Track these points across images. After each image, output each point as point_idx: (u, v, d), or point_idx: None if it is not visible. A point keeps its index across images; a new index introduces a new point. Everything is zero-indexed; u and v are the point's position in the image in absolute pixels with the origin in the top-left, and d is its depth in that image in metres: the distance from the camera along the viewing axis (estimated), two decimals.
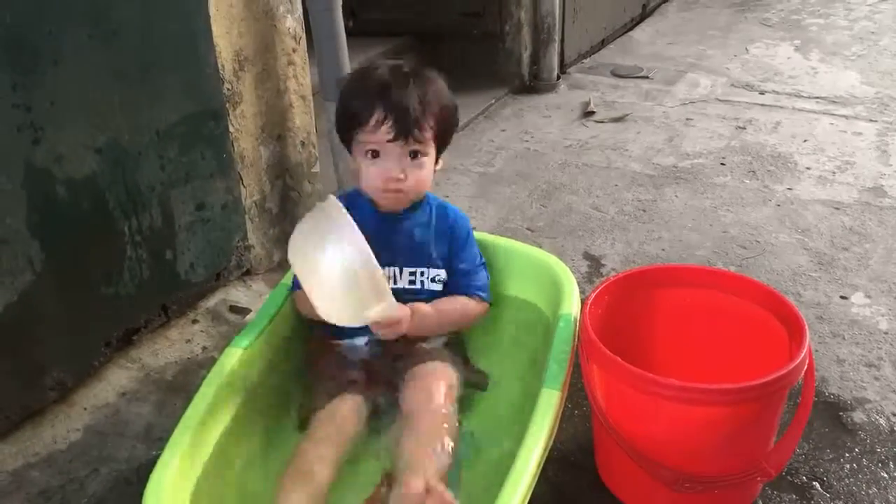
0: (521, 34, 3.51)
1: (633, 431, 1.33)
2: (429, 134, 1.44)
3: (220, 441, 1.36)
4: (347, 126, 1.47)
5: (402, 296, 1.44)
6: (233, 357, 1.42)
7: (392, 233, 1.52)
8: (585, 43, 3.97)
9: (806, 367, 1.30)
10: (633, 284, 1.53)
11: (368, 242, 1.35)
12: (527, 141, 3.06)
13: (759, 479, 1.36)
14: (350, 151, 1.51)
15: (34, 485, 1.47)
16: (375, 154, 1.44)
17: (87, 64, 1.53)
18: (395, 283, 1.52)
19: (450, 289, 1.56)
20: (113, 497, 1.46)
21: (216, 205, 1.90)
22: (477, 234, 1.65)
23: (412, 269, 1.54)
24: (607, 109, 3.34)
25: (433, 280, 1.55)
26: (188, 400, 1.34)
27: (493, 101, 3.42)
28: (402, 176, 1.44)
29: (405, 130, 1.40)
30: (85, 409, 1.65)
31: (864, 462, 1.52)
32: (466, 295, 1.55)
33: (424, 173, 1.48)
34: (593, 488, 1.47)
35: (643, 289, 1.54)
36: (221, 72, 1.82)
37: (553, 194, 2.61)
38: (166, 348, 1.82)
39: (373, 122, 1.40)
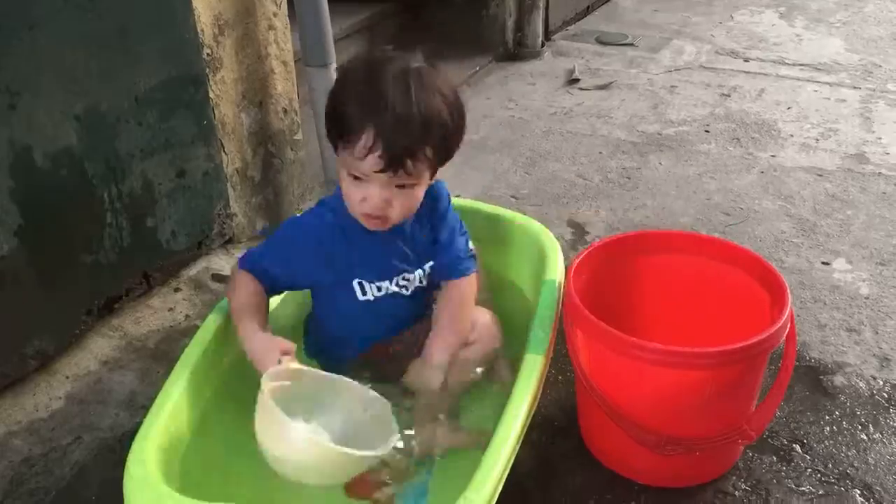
0: (505, 1, 3.48)
1: (616, 396, 1.34)
2: (424, 164, 1.23)
3: (203, 408, 1.36)
4: (332, 133, 1.26)
5: (387, 300, 1.39)
6: (215, 325, 1.41)
7: (384, 247, 1.37)
8: (570, 10, 3.93)
9: (787, 331, 1.31)
10: (618, 250, 1.53)
11: (357, 259, 1.34)
12: (511, 109, 3.04)
13: (740, 441, 1.37)
14: (335, 152, 1.30)
15: (17, 453, 1.47)
16: (358, 178, 1.24)
17: (64, 28, 1.50)
18: (379, 291, 1.39)
19: (435, 271, 1.43)
20: (96, 465, 1.46)
21: (197, 172, 1.88)
22: (461, 201, 1.65)
23: (405, 276, 1.40)
24: (592, 77, 3.32)
25: (421, 280, 1.42)
26: (170, 367, 1.33)
27: (477, 68, 3.40)
28: (384, 207, 1.25)
29: (395, 164, 1.19)
30: (66, 377, 1.64)
31: (844, 425, 1.54)
32: (451, 279, 1.42)
33: (414, 200, 1.29)
34: (577, 453, 1.48)
35: (627, 255, 1.54)
36: (201, 36, 1.79)
37: (537, 162, 2.60)
38: (148, 316, 1.81)
39: (359, 147, 1.18)
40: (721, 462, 1.44)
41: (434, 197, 1.40)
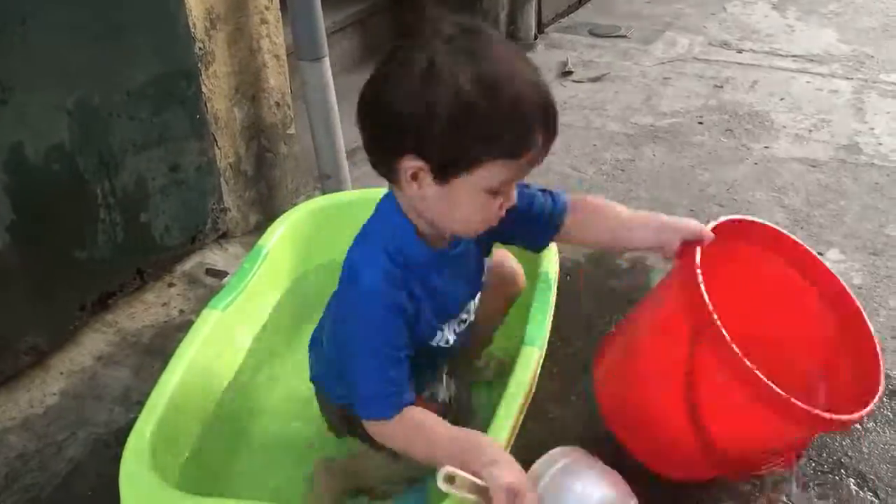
0: None
1: (720, 432, 1.21)
2: None
3: (198, 403, 1.36)
4: (479, 152, 1.01)
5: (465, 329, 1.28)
6: (210, 319, 1.41)
7: (460, 266, 1.22)
8: (563, 2, 3.92)
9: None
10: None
11: (443, 292, 1.17)
12: None
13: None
14: (436, 173, 1.03)
15: (11, 449, 1.47)
16: (501, 189, 1.06)
17: (56, 23, 1.50)
18: (470, 314, 1.29)
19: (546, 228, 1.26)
20: (91, 460, 1.46)
21: (190, 167, 1.87)
22: None
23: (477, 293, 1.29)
24: (585, 69, 3.32)
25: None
26: (165, 363, 1.33)
27: None
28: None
29: (554, 140, 1.07)
30: (61, 373, 1.63)
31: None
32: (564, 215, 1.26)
33: None
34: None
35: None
36: (192, 30, 1.79)
37: None
38: (143, 312, 1.80)
39: (535, 152, 1.03)
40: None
41: None
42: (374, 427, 1.12)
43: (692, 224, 1.22)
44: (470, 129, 0.98)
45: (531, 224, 1.25)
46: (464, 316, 1.27)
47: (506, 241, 1.32)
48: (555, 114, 1.04)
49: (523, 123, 1.00)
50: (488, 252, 1.31)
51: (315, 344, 1.38)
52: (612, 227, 1.27)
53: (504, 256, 1.42)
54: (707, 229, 1.21)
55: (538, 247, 1.35)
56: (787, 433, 1.21)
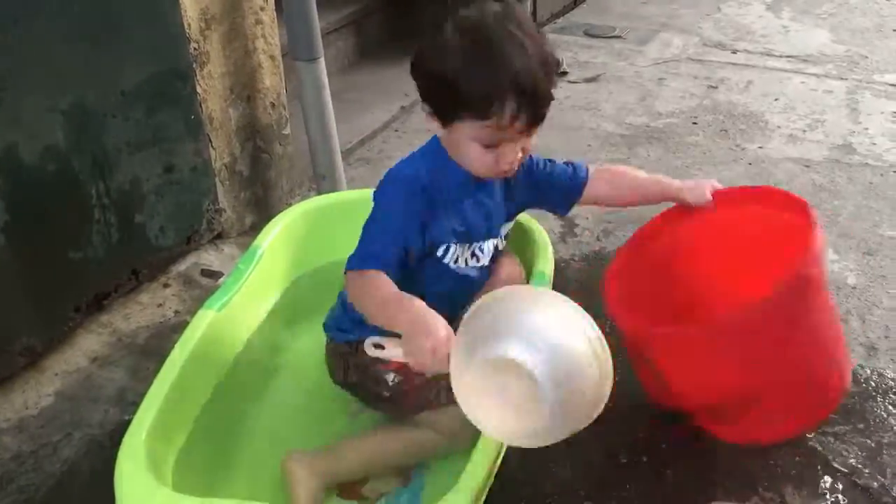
0: None
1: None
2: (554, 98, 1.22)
3: (193, 404, 1.36)
4: (455, 108, 1.18)
5: (494, 257, 1.40)
6: (205, 319, 1.41)
7: (488, 197, 1.35)
8: (558, 2, 3.94)
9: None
10: (652, 236, 1.54)
11: (461, 211, 1.29)
12: None
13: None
14: (439, 117, 1.22)
15: (6, 450, 1.46)
16: (489, 145, 1.20)
17: (50, 23, 1.49)
18: (497, 248, 1.40)
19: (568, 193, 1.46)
20: (87, 461, 1.46)
21: (185, 167, 1.87)
22: None
23: (504, 226, 1.42)
24: (580, 69, 3.32)
25: (506, 235, 1.44)
26: (161, 364, 1.33)
27: None
28: (520, 159, 1.25)
29: (539, 119, 1.19)
30: (56, 374, 1.63)
31: (831, 414, 1.55)
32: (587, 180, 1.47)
33: (534, 137, 1.26)
34: None
35: (662, 235, 1.54)
36: (187, 31, 1.79)
37: None
38: (138, 313, 1.80)
39: (506, 117, 1.15)
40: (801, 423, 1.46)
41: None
42: (347, 277, 1.24)
43: (698, 191, 1.48)
44: (445, 88, 1.16)
45: (552, 190, 1.45)
46: (477, 250, 1.36)
47: (532, 205, 1.48)
48: (533, 88, 1.14)
49: (489, 89, 1.13)
50: (515, 211, 1.44)
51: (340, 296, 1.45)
52: (634, 186, 1.51)
53: (510, 263, 1.48)
54: (708, 195, 1.47)
55: (563, 209, 1.52)
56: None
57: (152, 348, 1.71)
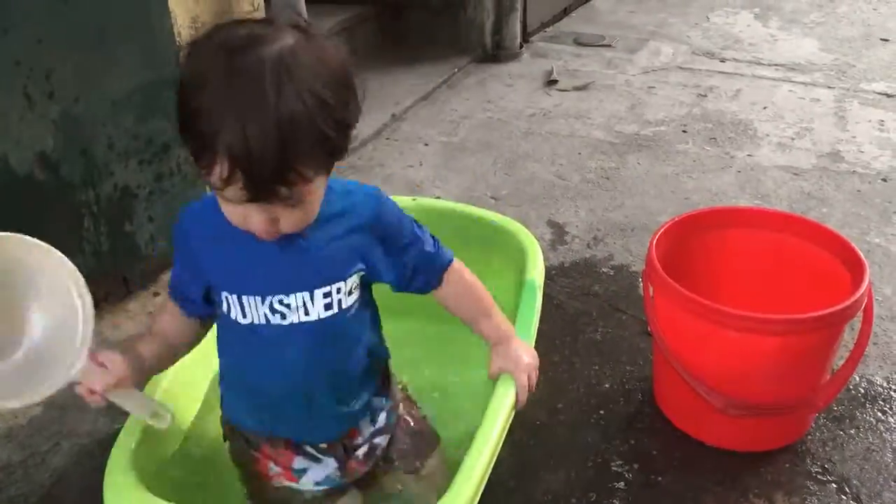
0: (483, 3, 3.49)
1: (691, 358, 1.41)
2: (307, 180, 0.92)
3: (183, 413, 1.35)
4: (189, 147, 0.93)
5: (320, 329, 1.10)
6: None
7: (285, 255, 1.06)
8: (548, 11, 3.95)
9: (864, 304, 1.36)
10: (699, 224, 1.60)
11: (247, 271, 1.07)
12: (490, 110, 3.05)
13: (806, 410, 1.44)
14: None
15: None
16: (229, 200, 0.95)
17: (40, 32, 1.49)
18: (307, 314, 1.09)
19: (417, 285, 1.19)
20: (76, 471, 1.45)
21: (175, 175, 1.87)
22: (439, 203, 1.65)
23: (326, 289, 1.09)
24: (570, 78, 3.34)
25: (350, 293, 1.11)
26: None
27: (455, 70, 3.40)
28: (272, 227, 0.98)
29: (265, 194, 0.91)
30: None
31: (822, 420, 1.55)
32: (439, 283, 1.21)
33: (309, 212, 1.00)
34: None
35: (707, 229, 1.60)
36: (177, 39, 1.79)
37: (517, 163, 2.61)
38: (127, 321, 1.79)
39: (215, 177, 0.89)
40: (791, 430, 1.50)
41: (368, 207, 1.11)
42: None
43: (514, 367, 1.22)
44: (180, 125, 0.94)
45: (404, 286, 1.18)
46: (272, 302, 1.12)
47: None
48: (248, 158, 0.87)
49: (199, 140, 0.90)
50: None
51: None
52: (470, 315, 1.26)
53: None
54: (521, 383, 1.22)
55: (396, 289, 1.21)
56: (737, 346, 1.36)
57: None
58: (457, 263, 1.23)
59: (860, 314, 1.37)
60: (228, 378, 1.22)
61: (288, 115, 0.87)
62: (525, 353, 1.24)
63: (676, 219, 1.57)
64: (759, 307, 1.41)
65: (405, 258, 1.16)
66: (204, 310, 1.15)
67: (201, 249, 1.12)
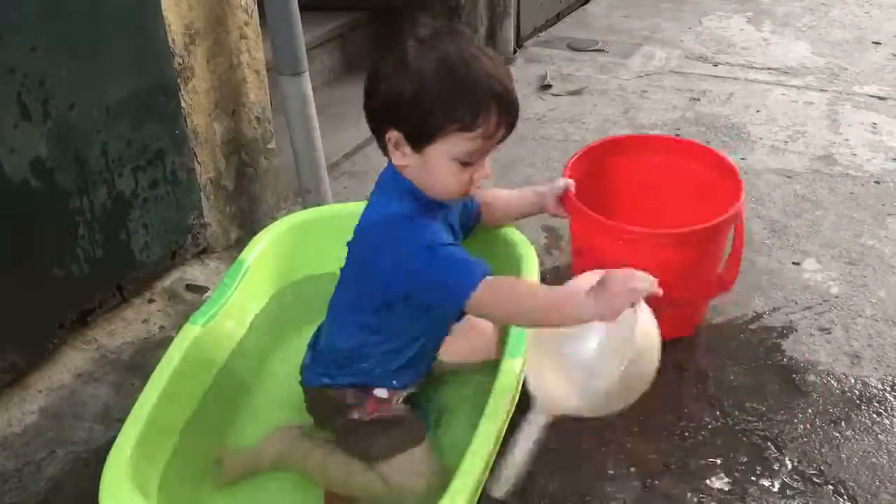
0: (477, 8, 3.49)
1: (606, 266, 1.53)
2: None
3: (179, 420, 1.35)
4: (438, 127, 1.18)
5: None
6: (190, 335, 1.40)
7: (453, 219, 1.39)
8: (541, 17, 3.96)
9: (740, 210, 1.61)
10: (602, 152, 1.84)
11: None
12: None
13: (704, 300, 1.77)
14: (411, 143, 1.21)
15: None
16: (466, 162, 1.21)
17: (34, 38, 1.49)
18: None
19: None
20: (71, 479, 1.44)
21: (170, 182, 1.87)
22: None
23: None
24: (564, 83, 3.34)
25: None
26: (146, 380, 1.32)
27: None
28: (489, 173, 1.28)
29: (514, 124, 1.24)
30: (40, 391, 1.62)
31: (818, 422, 1.56)
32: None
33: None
34: None
35: (611, 155, 1.86)
36: (172, 46, 1.79)
37: (511, 167, 2.61)
38: (122, 328, 1.79)
39: (492, 124, 1.18)
40: (690, 320, 1.79)
41: None
42: (476, 295, 1.18)
43: (556, 182, 1.63)
44: (428, 104, 1.17)
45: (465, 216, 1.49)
46: None
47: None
48: (510, 97, 1.20)
49: (474, 99, 1.17)
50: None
51: (315, 344, 1.46)
52: (508, 206, 1.61)
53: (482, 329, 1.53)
54: (565, 182, 1.62)
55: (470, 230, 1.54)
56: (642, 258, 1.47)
57: (137, 364, 1.70)
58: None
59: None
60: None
61: (504, 66, 1.24)
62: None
63: (579, 152, 1.79)
64: (653, 219, 1.73)
65: None
66: None
67: None
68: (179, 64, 1.82)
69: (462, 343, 1.50)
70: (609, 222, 1.59)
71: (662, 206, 1.83)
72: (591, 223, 1.60)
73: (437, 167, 1.22)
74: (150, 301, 1.88)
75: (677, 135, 2.83)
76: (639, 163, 1.87)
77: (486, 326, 1.52)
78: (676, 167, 1.84)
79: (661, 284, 1.31)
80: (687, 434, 1.54)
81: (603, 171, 1.84)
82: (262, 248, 1.64)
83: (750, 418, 1.57)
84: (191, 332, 1.41)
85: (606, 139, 1.92)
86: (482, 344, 1.51)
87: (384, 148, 1.25)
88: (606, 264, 1.50)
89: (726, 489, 1.41)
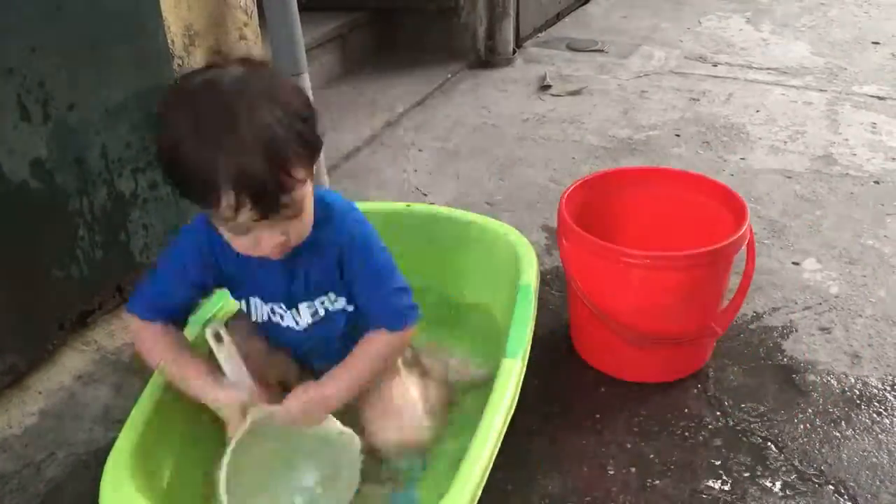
0: (476, 8, 3.49)
1: (602, 298, 1.57)
2: (299, 183, 1.07)
3: (179, 422, 1.35)
4: (188, 195, 1.08)
5: (311, 331, 1.33)
6: (191, 337, 1.40)
7: (276, 272, 1.25)
8: (540, 17, 3.96)
9: (747, 240, 1.56)
10: (603, 184, 1.77)
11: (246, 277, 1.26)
12: (483, 115, 3.06)
13: (709, 337, 1.63)
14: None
15: None
16: (240, 229, 1.09)
17: (33, 39, 1.49)
18: (296, 323, 1.32)
19: (364, 316, 1.31)
20: (71, 481, 1.44)
21: (170, 184, 1.86)
22: (434, 208, 1.65)
23: (309, 303, 1.30)
24: (563, 83, 3.34)
25: (334, 301, 1.31)
26: (146, 381, 1.32)
27: (449, 75, 3.41)
28: (284, 244, 1.13)
29: (272, 208, 1.04)
30: (40, 392, 1.62)
31: (818, 422, 1.56)
32: (376, 328, 1.29)
33: (308, 218, 1.15)
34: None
35: (612, 188, 1.79)
36: (171, 47, 1.79)
37: (511, 168, 2.62)
38: (122, 330, 1.79)
39: (224, 209, 1.03)
40: (693, 359, 1.68)
41: (338, 232, 1.23)
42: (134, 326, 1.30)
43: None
44: (167, 165, 1.07)
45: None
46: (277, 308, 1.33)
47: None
48: (251, 181, 1.00)
49: (203, 178, 1.01)
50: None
51: None
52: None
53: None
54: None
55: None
56: (643, 282, 1.54)
57: (137, 366, 1.69)
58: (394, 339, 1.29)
59: (744, 250, 1.58)
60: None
61: (265, 132, 1.00)
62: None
63: (580, 181, 1.72)
64: (659, 251, 1.63)
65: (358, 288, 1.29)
66: (184, 314, 1.35)
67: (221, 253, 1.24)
68: (179, 65, 1.82)
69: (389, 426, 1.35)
70: (608, 245, 1.52)
71: (671, 243, 1.72)
72: (589, 246, 1.54)
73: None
74: None
75: (677, 135, 2.83)
76: (644, 196, 1.79)
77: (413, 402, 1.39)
78: (685, 201, 1.76)
79: (660, 313, 1.36)
80: (687, 434, 1.54)
81: (608, 204, 1.77)
82: None
83: (750, 418, 1.56)
84: (191, 334, 1.40)
85: (604, 172, 1.83)
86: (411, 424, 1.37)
87: None
88: (606, 292, 1.57)
89: (726, 489, 1.41)
